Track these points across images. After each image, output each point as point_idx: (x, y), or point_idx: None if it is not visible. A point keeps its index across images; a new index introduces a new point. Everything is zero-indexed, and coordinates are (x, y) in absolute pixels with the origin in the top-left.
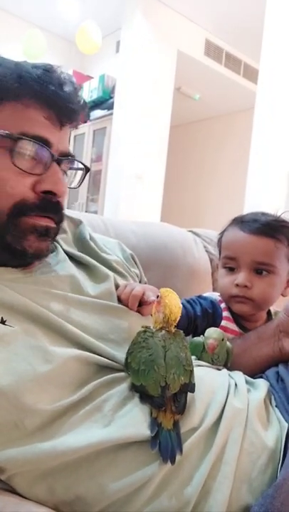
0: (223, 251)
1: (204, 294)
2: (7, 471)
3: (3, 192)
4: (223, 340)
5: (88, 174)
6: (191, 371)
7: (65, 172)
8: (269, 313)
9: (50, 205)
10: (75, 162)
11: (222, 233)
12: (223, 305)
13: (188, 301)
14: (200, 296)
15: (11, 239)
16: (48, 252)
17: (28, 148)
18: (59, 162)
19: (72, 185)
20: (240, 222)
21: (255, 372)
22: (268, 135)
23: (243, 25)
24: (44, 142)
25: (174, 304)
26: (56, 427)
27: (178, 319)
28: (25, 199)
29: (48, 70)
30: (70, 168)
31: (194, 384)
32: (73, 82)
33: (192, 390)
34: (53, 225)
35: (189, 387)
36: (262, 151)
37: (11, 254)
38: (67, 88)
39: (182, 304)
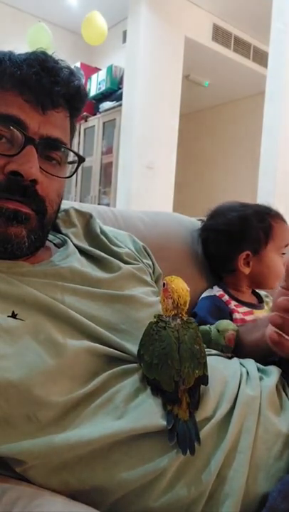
0: (283, 240)
1: (203, 295)
2: (22, 464)
3: None
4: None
5: (99, 167)
6: (205, 363)
7: (56, 161)
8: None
9: (17, 187)
10: (72, 155)
11: (268, 222)
12: (225, 298)
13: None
14: (203, 304)
15: None
16: (23, 240)
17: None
18: (36, 146)
19: (65, 176)
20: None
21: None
22: (280, 118)
23: (251, 7)
24: (17, 122)
25: (180, 287)
26: (69, 420)
27: (187, 303)
28: None
29: (31, 55)
30: (69, 163)
31: (208, 376)
32: (66, 67)
33: (206, 383)
34: (25, 210)
35: (203, 379)
36: (274, 135)
37: None
38: (53, 72)
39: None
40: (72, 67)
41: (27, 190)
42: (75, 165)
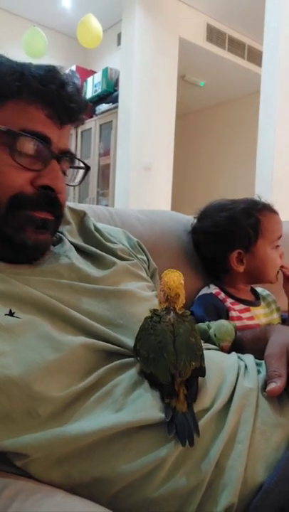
0: (273, 233)
1: (199, 294)
2: (23, 458)
3: (2, 185)
4: (236, 334)
5: (97, 169)
6: (202, 355)
7: (64, 171)
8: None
9: (48, 200)
10: (76, 161)
11: (255, 218)
12: (221, 295)
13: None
14: (199, 303)
15: (10, 231)
16: (48, 245)
17: (28, 144)
18: (58, 159)
19: (73, 183)
20: (266, 206)
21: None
22: (275, 117)
23: (244, 7)
24: (44, 139)
25: (172, 279)
26: (69, 414)
27: (180, 295)
28: (23, 192)
29: (50, 70)
30: (71, 167)
31: (205, 368)
32: (75, 83)
33: (203, 374)
34: (50, 217)
35: (201, 371)
36: (270, 134)
37: (12, 248)
38: (68, 88)
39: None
40: (68, 70)
41: (54, 202)
42: (77, 170)
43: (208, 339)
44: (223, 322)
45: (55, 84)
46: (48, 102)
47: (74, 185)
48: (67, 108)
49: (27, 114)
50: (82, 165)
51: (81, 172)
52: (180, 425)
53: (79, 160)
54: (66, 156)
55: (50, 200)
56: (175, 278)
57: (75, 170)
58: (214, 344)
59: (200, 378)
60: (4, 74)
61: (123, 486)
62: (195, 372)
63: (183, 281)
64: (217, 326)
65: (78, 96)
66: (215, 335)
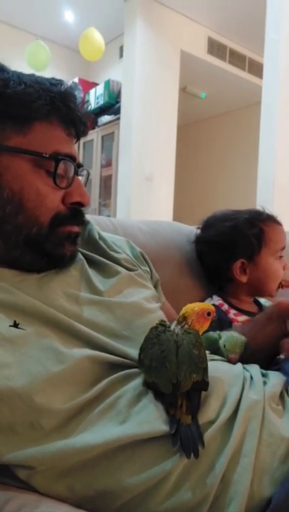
0: (277, 243)
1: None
2: (27, 470)
3: (43, 207)
4: (244, 345)
5: (99, 180)
6: (205, 368)
7: None
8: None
9: (78, 214)
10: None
11: (259, 228)
12: (224, 307)
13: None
14: None
15: (49, 247)
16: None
17: (63, 166)
18: (77, 174)
19: None
20: (269, 217)
21: (266, 350)
22: (276, 128)
23: (245, 20)
24: (73, 160)
25: (197, 305)
26: (72, 426)
27: (188, 317)
28: (60, 211)
29: (67, 89)
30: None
31: (208, 382)
32: (81, 97)
33: (205, 388)
34: (79, 230)
35: (202, 385)
36: (271, 145)
37: (49, 260)
38: (82, 106)
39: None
40: (71, 82)
41: (82, 214)
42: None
43: (218, 350)
44: (233, 334)
45: (74, 103)
46: (69, 122)
47: None
48: (83, 125)
49: (54, 136)
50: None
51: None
52: (185, 437)
53: (86, 170)
54: (82, 170)
55: (80, 214)
56: (199, 305)
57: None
58: (223, 356)
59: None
60: (34, 97)
61: (127, 499)
62: (196, 385)
63: (208, 316)
64: (227, 337)
65: (86, 111)
66: (224, 345)
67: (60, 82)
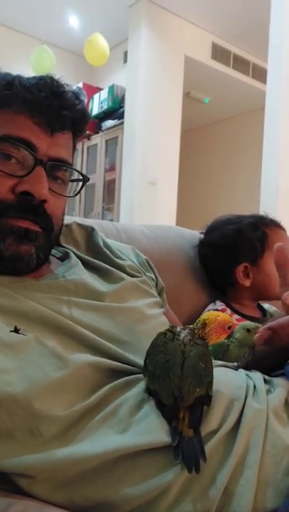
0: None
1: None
2: (26, 479)
3: None
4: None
5: (102, 184)
6: (210, 382)
7: (61, 180)
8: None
9: (28, 206)
10: (75, 173)
11: (262, 231)
12: (227, 312)
13: None
14: None
15: None
16: (32, 258)
17: (9, 149)
18: (45, 167)
19: (69, 195)
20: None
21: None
22: (280, 133)
23: (249, 26)
24: (28, 145)
25: (219, 314)
26: (73, 434)
27: (207, 325)
28: (4, 200)
29: (41, 79)
30: (72, 181)
31: (211, 396)
32: (74, 92)
33: (208, 404)
34: (35, 228)
35: (205, 399)
36: (275, 151)
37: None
38: (62, 95)
39: None
40: (75, 87)
41: (37, 210)
42: (79, 183)
43: (225, 353)
44: (244, 322)
45: (44, 92)
46: (36, 110)
47: (69, 196)
48: (59, 115)
49: (13, 122)
50: (80, 177)
51: (81, 184)
52: (186, 451)
53: (75, 170)
54: (61, 165)
55: (31, 208)
56: (222, 315)
57: (75, 183)
58: (230, 357)
59: None
60: None
61: (128, 511)
62: (199, 400)
63: (228, 329)
64: (243, 324)
65: (75, 104)
66: (248, 330)
67: (43, 76)
